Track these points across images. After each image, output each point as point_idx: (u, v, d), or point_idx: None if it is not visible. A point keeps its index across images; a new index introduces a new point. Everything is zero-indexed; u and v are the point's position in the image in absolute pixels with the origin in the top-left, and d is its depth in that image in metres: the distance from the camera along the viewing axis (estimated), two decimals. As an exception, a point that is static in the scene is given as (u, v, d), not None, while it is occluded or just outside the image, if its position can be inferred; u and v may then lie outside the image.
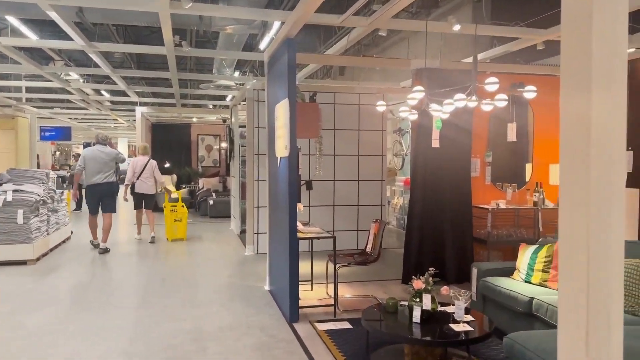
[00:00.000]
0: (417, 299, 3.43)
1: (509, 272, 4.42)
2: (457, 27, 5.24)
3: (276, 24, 7.29)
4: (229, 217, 11.31)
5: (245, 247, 7.95)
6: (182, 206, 9.05)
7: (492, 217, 5.73)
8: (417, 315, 3.39)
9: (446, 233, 5.84)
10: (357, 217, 8.08)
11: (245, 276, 6.34)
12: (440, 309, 3.49)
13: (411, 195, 5.92)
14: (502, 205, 5.82)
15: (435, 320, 3.44)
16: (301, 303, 4.67)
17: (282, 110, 4.59)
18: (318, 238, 4.70)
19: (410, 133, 10.10)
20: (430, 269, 3.56)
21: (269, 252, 5.69)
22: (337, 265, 4.72)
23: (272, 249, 5.55)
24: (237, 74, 11.24)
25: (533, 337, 2.77)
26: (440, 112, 4.42)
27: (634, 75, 4.98)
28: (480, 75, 5.75)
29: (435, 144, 5.32)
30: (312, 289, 5.56)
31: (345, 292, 5.45)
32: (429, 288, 3.41)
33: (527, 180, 6.33)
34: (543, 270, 4.06)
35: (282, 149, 4.63)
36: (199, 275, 6.39)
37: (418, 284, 3.41)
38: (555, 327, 3.46)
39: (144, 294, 5.50)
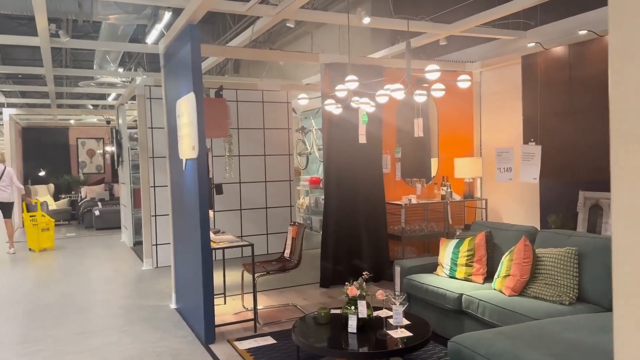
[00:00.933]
0: (352, 307, 3.17)
1: (431, 268, 4.35)
2: (366, 20, 5.09)
3: (167, 15, 6.67)
4: (119, 228, 10.32)
5: (142, 260, 7.21)
6: (43, 215, 8.64)
7: (405, 212, 5.69)
8: (352, 325, 3.13)
9: (362, 232, 5.70)
10: (266, 220, 7.71)
11: (145, 294, 5.68)
12: (374, 313, 3.27)
13: (326, 194, 5.69)
14: (414, 201, 5.80)
15: (371, 327, 3.22)
16: (216, 320, 4.21)
17: (186, 106, 4.09)
18: (234, 247, 4.27)
19: (313, 132, 9.95)
20: (364, 273, 3.32)
21: (174, 266, 5.12)
22: (256, 275, 4.33)
23: (178, 262, 4.99)
24: (120, 70, 10.26)
25: (482, 339, 2.64)
26: (368, 105, 4.22)
27: (530, 69, 5.19)
28: (386, 72, 5.71)
29: (362, 139, 5.13)
30: (225, 303, 5.10)
31: (262, 302, 5.07)
32: (364, 294, 3.17)
33: (433, 175, 6.41)
34: (466, 265, 4.02)
35: (188, 150, 4.13)
36: (90, 298, 5.61)
37: (352, 290, 3.15)
38: (488, 323, 3.41)
39: (26, 326, 4.66)
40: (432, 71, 3.40)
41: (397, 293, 3.29)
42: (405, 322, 3.22)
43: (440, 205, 6.10)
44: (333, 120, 5.61)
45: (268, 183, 7.69)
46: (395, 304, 3.12)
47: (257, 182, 7.62)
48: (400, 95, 3.45)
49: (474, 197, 6.20)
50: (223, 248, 4.25)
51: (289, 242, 4.90)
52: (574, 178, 4.88)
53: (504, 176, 4.46)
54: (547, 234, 3.78)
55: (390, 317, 3.30)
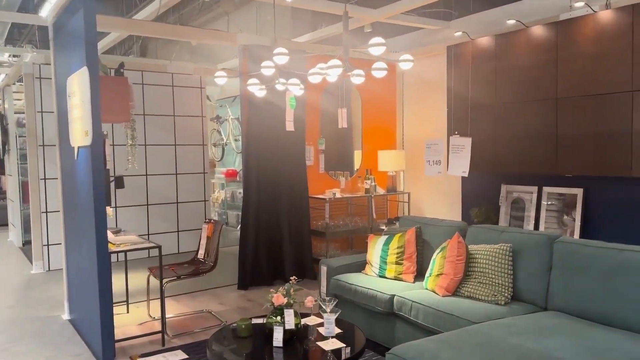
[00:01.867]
0: (278, 317, 2.78)
1: (359, 267, 4.07)
2: (290, -1, 4.69)
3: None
4: (7, 225, 9.13)
5: (32, 263, 6.32)
6: None
7: (329, 207, 5.38)
8: (278, 338, 2.74)
9: (284, 228, 5.31)
10: (177, 216, 7.08)
11: (35, 303, 4.90)
12: (302, 320, 2.90)
13: (244, 188, 5.23)
14: (338, 195, 5.52)
15: (300, 339, 2.84)
16: (117, 333, 3.64)
17: (78, 84, 3.45)
18: (138, 249, 3.71)
19: (230, 121, 9.39)
20: (292, 278, 2.94)
21: (66, 270, 4.42)
22: (165, 281, 3.79)
23: (71, 266, 4.31)
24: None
25: (424, 350, 2.36)
26: (298, 87, 3.80)
27: (455, 60, 5.07)
28: (311, 58, 5.35)
29: (290, 126, 4.71)
30: (128, 312, 4.50)
31: (172, 310, 4.53)
32: (292, 301, 2.79)
33: (356, 168, 6.17)
34: (397, 263, 3.78)
35: (80, 136, 3.50)
36: (-37, 310, 4.74)
37: (278, 298, 2.76)
38: (422, 327, 3.17)
39: None
40: (377, 44, 3.00)
41: (326, 298, 2.95)
42: (337, 330, 2.88)
43: (364, 199, 5.87)
44: (253, 106, 5.15)
45: (179, 175, 7.06)
46: (326, 312, 2.77)
47: (167, 174, 6.97)
48: (336, 74, 3.08)
49: (397, 191, 6.03)
50: (124, 251, 3.67)
51: (203, 241, 4.40)
52: (496, 171, 4.83)
53: (433, 169, 4.28)
54: (479, 230, 3.62)
55: (320, 324, 2.96)
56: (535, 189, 4.77)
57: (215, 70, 7.36)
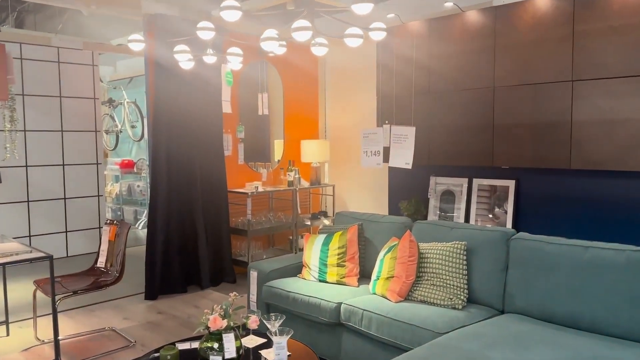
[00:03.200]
0: (215, 344, 2.25)
1: (295, 271, 3.62)
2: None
3: None
4: None
5: None
6: None
7: (251, 202, 4.85)
8: (217, 369, 2.21)
9: (199, 226, 4.69)
10: (65, 214, 6.09)
11: None
12: (243, 343, 2.39)
13: (152, 181, 4.52)
14: (260, 188, 5.01)
15: (240, 367, 2.34)
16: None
17: None
18: (20, 262, 2.93)
19: (125, 105, 8.39)
20: (232, 293, 2.42)
21: None
22: (58, 298, 3.05)
23: None
24: None
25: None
26: (238, 58, 3.20)
27: (385, 45, 4.77)
28: (230, 35, 4.76)
29: (227, 107, 4.05)
30: (8, 334, 3.65)
31: (65, 329, 3.75)
32: (231, 324, 2.27)
33: (277, 159, 5.68)
34: (338, 265, 3.38)
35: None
36: None
37: (216, 321, 2.22)
38: (374, 339, 2.81)
39: None
40: (301, 29, 2.57)
41: (272, 316, 2.46)
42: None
43: (287, 193, 5.42)
44: (162, 85, 4.45)
45: (67, 167, 6.08)
46: (274, 334, 2.29)
47: (52, 165, 5.96)
48: (305, 36, 2.56)
49: (322, 184, 5.66)
50: (1, 265, 2.87)
51: (104, 246, 3.68)
52: (430, 163, 4.63)
53: (370, 160, 3.95)
54: (425, 226, 3.34)
55: (263, 346, 2.47)
56: (465, 180, 4.64)
57: (110, 46, 6.44)
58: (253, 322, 2.38)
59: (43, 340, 3.50)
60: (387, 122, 4.74)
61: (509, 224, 4.35)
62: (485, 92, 4.14)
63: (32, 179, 5.79)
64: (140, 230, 7.83)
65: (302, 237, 5.43)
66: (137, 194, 8.43)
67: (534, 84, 3.86)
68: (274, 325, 2.41)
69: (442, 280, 2.97)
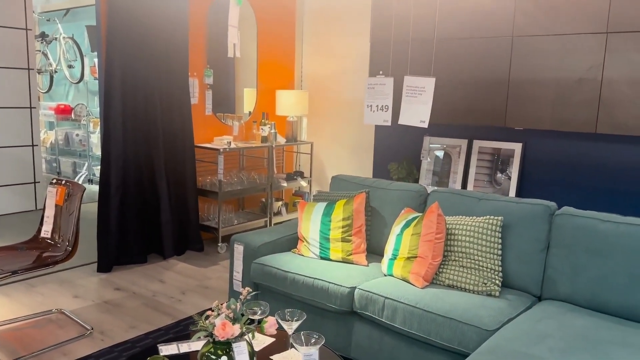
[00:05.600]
0: (221, 356, 1.68)
1: (288, 245, 3.08)
2: None
3: None
4: None
5: None
6: None
7: (223, 160, 4.19)
8: (225, 391, 1.66)
9: (161, 187, 4.00)
10: (-8, 167, 5.16)
11: None
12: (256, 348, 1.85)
13: (104, 131, 3.74)
14: (233, 144, 4.34)
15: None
16: None
17: None
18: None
19: (61, 41, 7.26)
20: (245, 288, 1.83)
21: None
22: (-9, 284, 2.35)
23: None
24: None
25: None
26: None
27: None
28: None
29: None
30: None
31: (1, 309, 3.04)
32: (244, 330, 1.70)
33: (248, 110, 4.99)
34: (343, 240, 2.86)
35: None
36: None
37: (225, 328, 1.64)
38: (398, 332, 2.35)
39: None
40: None
41: (287, 312, 1.92)
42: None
43: (260, 150, 4.79)
44: (117, 16, 3.62)
45: (-6, 111, 5.10)
46: (301, 345, 1.75)
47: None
48: None
49: (298, 140, 5.05)
50: None
51: (49, 212, 2.94)
52: (432, 121, 4.13)
53: (376, 117, 3.38)
54: (447, 196, 2.86)
55: (271, 348, 1.93)
56: (464, 142, 4.20)
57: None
58: (271, 326, 1.83)
59: (-29, 330, 2.79)
60: (381, 72, 4.17)
61: (512, 192, 3.98)
62: (501, 41, 3.64)
63: (-51, 124, 4.81)
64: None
65: (277, 200, 4.85)
66: (75, 143, 7.46)
67: (560, 35, 3.40)
68: (291, 326, 1.88)
69: (473, 261, 2.52)
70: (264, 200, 4.81)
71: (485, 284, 2.46)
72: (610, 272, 2.27)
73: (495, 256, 2.52)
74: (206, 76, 4.41)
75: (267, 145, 4.57)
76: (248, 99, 4.97)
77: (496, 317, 2.19)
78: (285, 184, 4.73)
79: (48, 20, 7.55)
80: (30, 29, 5.27)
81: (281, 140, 4.78)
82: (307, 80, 5.23)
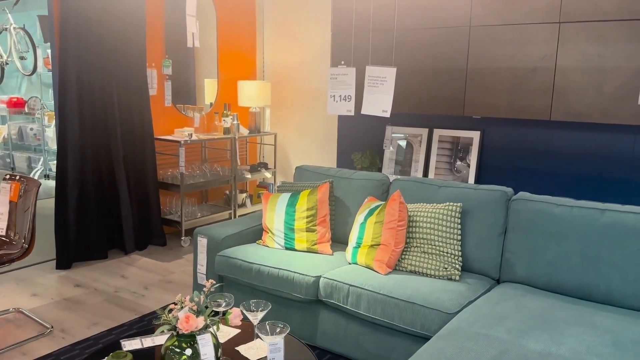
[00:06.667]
0: (186, 348, 1.67)
1: (253, 236, 3.07)
2: None
3: None
4: None
5: None
6: None
7: (184, 152, 4.13)
8: (191, 384, 1.65)
9: (120, 180, 3.91)
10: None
11: None
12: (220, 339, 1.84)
13: (60, 124, 3.62)
14: (194, 136, 4.28)
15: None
16: None
17: None
18: None
19: (12, 31, 6.96)
20: (209, 281, 1.81)
21: None
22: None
23: None
24: None
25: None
26: None
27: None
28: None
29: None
30: None
31: (-48, 314, 2.93)
32: (208, 323, 1.70)
33: (209, 102, 4.92)
34: (308, 230, 2.87)
35: None
36: None
37: (189, 321, 1.63)
38: (362, 318, 2.39)
39: None
40: None
41: (252, 302, 1.92)
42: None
43: (223, 142, 4.75)
44: (71, 4, 3.50)
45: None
46: (267, 334, 1.75)
47: None
48: None
49: (262, 132, 5.02)
50: None
51: (3, 208, 2.84)
52: (394, 111, 4.18)
53: (340, 107, 3.39)
54: (408, 184, 2.91)
55: (236, 340, 1.94)
56: (425, 131, 4.27)
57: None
58: (235, 317, 1.83)
59: None
60: (342, 62, 4.18)
61: (471, 179, 4.08)
62: (459, 31, 3.70)
63: None
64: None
65: (241, 192, 4.83)
66: (30, 138, 7.20)
67: (515, 25, 3.49)
68: (256, 316, 1.88)
69: (434, 247, 2.58)
70: (227, 192, 4.77)
71: (446, 268, 2.52)
72: (564, 254, 2.36)
73: (455, 241, 2.58)
74: (165, 67, 4.32)
75: (229, 136, 4.53)
76: (209, 90, 4.91)
77: (457, 300, 2.25)
78: (249, 176, 4.70)
79: (-3, 9, 7.22)
80: (-23, 18, 5.03)
81: (244, 131, 4.74)
82: (270, 70, 5.20)
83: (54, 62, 3.65)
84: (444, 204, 2.65)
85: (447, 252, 2.57)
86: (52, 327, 2.80)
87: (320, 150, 4.99)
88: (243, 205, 4.82)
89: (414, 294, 2.29)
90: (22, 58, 7.11)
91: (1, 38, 7.18)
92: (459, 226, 2.60)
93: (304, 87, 4.99)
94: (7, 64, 7.30)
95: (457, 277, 2.50)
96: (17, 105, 7.16)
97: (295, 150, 5.15)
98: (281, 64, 5.11)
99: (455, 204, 2.62)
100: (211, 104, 4.86)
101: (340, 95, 3.42)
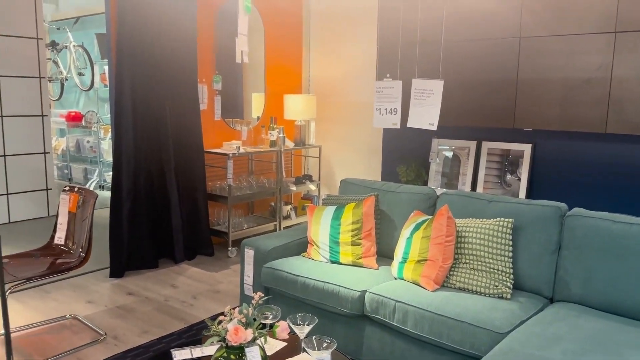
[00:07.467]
0: (234, 361, 1.70)
1: (298, 249, 3.09)
2: None
3: None
4: None
5: None
6: None
7: (232, 165, 4.21)
8: (239, 396, 1.67)
9: (172, 192, 4.03)
10: (5, 173, 5.23)
11: None
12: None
13: (116, 138, 3.79)
14: (241, 149, 4.36)
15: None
16: None
17: None
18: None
19: (71, 49, 7.35)
20: (257, 293, 1.85)
21: None
22: (8, 287, 2.38)
23: None
24: None
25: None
26: None
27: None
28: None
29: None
30: (-61, 328, 2.94)
31: (16, 318, 3.08)
32: (256, 335, 1.72)
33: (257, 115, 5.02)
34: (353, 243, 2.87)
35: None
36: None
37: (237, 333, 1.66)
38: (409, 335, 2.35)
39: None
40: None
41: (298, 316, 1.93)
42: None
43: (268, 154, 4.82)
44: (127, 20, 3.67)
45: (7, 119, 5.17)
46: (313, 349, 1.76)
47: (-12, 117, 5.05)
48: None
49: (307, 144, 5.07)
50: None
51: (62, 219, 2.98)
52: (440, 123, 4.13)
53: (385, 120, 3.39)
54: (456, 198, 2.86)
55: (282, 352, 1.95)
56: (473, 143, 4.19)
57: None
58: (283, 330, 1.84)
59: (-14, 336, 2.83)
60: (388, 75, 4.18)
61: (522, 193, 3.97)
62: (508, 42, 3.63)
63: (-38, 133, 4.88)
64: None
65: (286, 204, 4.87)
66: (86, 150, 7.54)
67: (568, 35, 3.39)
68: (303, 330, 1.89)
69: (484, 264, 2.52)
70: (273, 204, 4.83)
71: (497, 286, 2.46)
72: (623, 273, 2.26)
73: (506, 258, 2.51)
74: (215, 82, 4.45)
75: (275, 149, 4.59)
76: (256, 104, 5.00)
77: (508, 320, 2.19)
78: (294, 188, 4.75)
79: (58, 29, 7.64)
80: (41, 38, 5.35)
81: (289, 144, 4.80)
82: (315, 84, 5.25)
83: (110, 78, 3.82)
84: (495, 220, 2.58)
85: (498, 270, 2.50)
86: (105, 334, 2.90)
87: (365, 163, 4.98)
88: (288, 217, 4.86)
89: (463, 312, 2.24)
90: (80, 74, 7.48)
91: (62, 55, 7.58)
92: (511, 243, 2.53)
93: (349, 100, 5.01)
94: (66, 79, 7.70)
95: (508, 296, 2.43)
96: (75, 119, 7.53)
97: (340, 162, 5.17)
98: (326, 78, 5.16)
99: (506, 220, 2.55)
100: (258, 117, 4.95)
101: (386, 109, 3.41)
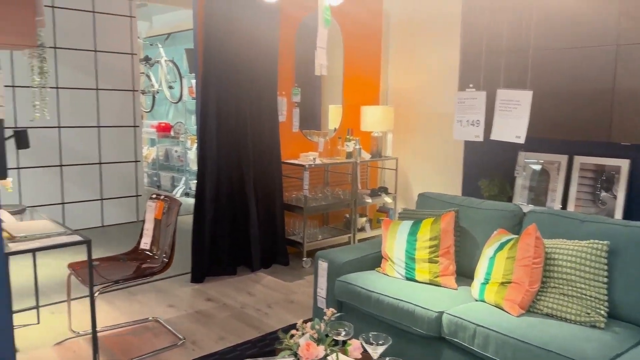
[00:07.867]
0: (305, 377, 1.67)
1: (372, 263, 3.02)
2: None
3: None
4: None
5: None
6: None
7: (308, 176, 4.24)
8: (308, 411, 1.64)
9: (250, 201, 4.13)
10: (100, 180, 5.62)
11: None
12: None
13: (200, 149, 3.95)
14: (318, 160, 4.38)
15: (334, 403, 1.77)
16: (22, 359, 2.39)
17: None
18: (51, 248, 2.38)
19: (163, 64, 7.81)
20: (329, 309, 1.82)
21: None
22: (97, 289, 2.53)
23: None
24: None
25: None
26: None
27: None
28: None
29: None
30: (39, 321, 3.19)
31: (103, 318, 3.27)
32: (328, 352, 1.69)
33: (334, 127, 5.03)
34: (430, 261, 2.76)
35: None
36: None
37: (310, 350, 1.64)
38: (492, 360, 2.21)
39: None
40: None
41: (370, 335, 1.87)
42: (389, 385, 1.83)
43: (344, 166, 4.80)
44: (213, 35, 3.82)
45: (103, 129, 5.57)
46: (387, 368, 1.70)
47: (86, 127, 5.45)
48: None
49: (383, 156, 5.00)
50: (32, 250, 2.35)
51: (149, 225, 3.13)
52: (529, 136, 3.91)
53: (467, 132, 3.27)
54: (545, 217, 2.67)
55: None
56: (564, 158, 3.92)
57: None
58: (355, 349, 1.80)
59: (78, 333, 3.02)
60: (471, 85, 4.02)
61: (619, 213, 3.64)
62: (604, 50, 3.37)
63: (65, 141, 5.30)
64: (179, 198, 7.37)
65: (361, 217, 4.82)
66: (174, 159, 7.94)
67: (677, 41, 3.08)
68: (376, 350, 1.83)
69: (575, 289, 2.32)
70: (347, 216, 4.80)
71: (589, 314, 2.25)
72: None
73: (600, 284, 2.30)
74: (294, 95, 4.51)
75: (351, 161, 4.57)
76: (333, 116, 5.02)
77: (601, 351, 1.99)
78: (369, 200, 4.69)
79: (151, 44, 8.15)
80: (136, 54, 5.72)
81: (366, 155, 4.76)
82: (393, 95, 5.18)
83: (197, 91, 3.99)
84: (588, 242, 2.38)
85: (591, 296, 2.29)
86: (184, 339, 2.99)
87: (444, 176, 4.83)
88: (362, 229, 4.81)
89: (550, 341, 2.07)
90: (170, 87, 7.92)
91: (154, 70, 8.07)
92: (606, 267, 2.31)
93: (428, 112, 4.89)
94: (158, 92, 8.18)
95: (602, 325, 2.22)
96: (164, 129, 7.97)
97: (417, 175, 5.04)
98: (405, 89, 5.07)
99: (601, 242, 2.34)
100: (335, 129, 4.96)
101: (468, 120, 3.28)
